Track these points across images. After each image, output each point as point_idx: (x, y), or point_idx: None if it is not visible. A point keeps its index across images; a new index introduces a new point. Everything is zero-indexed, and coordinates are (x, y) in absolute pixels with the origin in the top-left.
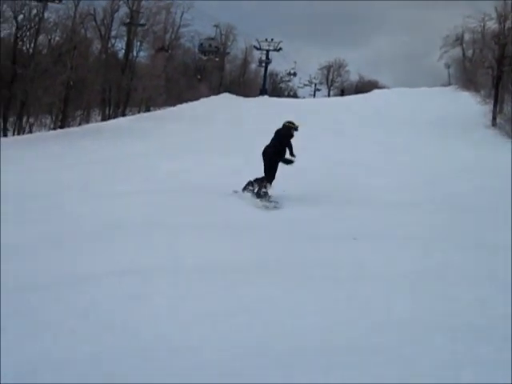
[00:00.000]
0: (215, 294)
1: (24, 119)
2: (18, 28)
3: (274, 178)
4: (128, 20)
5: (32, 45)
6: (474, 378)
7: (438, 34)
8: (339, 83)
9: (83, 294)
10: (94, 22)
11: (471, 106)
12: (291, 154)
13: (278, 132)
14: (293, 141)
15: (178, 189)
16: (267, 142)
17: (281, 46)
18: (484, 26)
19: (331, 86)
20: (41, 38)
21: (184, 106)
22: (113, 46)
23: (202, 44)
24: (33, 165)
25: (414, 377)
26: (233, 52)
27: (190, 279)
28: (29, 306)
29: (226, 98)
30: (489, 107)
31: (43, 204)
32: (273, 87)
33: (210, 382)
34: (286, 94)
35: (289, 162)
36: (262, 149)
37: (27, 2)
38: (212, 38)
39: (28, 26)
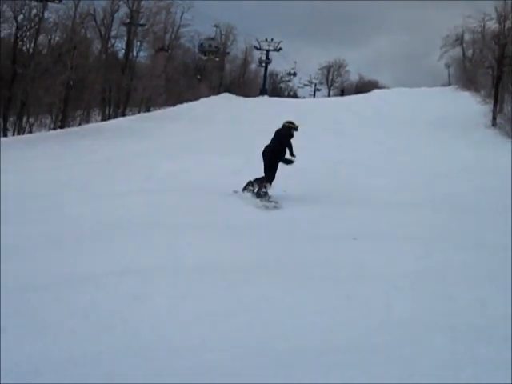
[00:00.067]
0: (215, 293)
1: (24, 119)
2: (18, 28)
3: (273, 177)
4: (128, 20)
5: (32, 45)
6: (474, 378)
7: (438, 34)
8: (339, 83)
9: (83, 293)
10: (94, 22)
11: (471, 105)
12: (291, 154)
13: (277, 132)
14: (293, 141)
15: (178, 189)
16: (267, 141)
17: (281, 46)
18: (484, 26)
19: (331, 86)
20: (41, 37)
21: (184, 105)
22: (113, 46)
23: (202, 44)
24: (33, 165)
25: (413, 377)
26: (233, 52)
27: (190, 279)
28: (29, 306)
29: (225, 98)
30: (489, 107)
31: (43, 204)
32: (273, 87)
33: (210, 382)
34: (286, 94)
35: (289, 162)
36: (262, 149)
37: (27, 1)
38: (212, 38)
39: (28, 26)
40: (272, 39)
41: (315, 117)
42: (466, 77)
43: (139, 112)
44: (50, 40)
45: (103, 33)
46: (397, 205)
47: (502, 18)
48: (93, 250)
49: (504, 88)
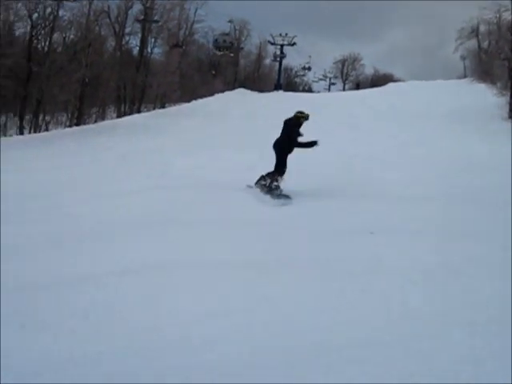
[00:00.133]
0: (233, 289)
1: (40, 117)
2: (32, 26)
3: (284, 170)
4: (142, 17)
5: (47, 43)
6: (493, 373)
7: (453, 26)
8: (354, 77)
9: (90, 293)
10: (108, 20)
11: (487, 98)
12: (306, 144)
13: (286, 123)
14: (308, 135)
15: (193, 185)
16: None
17: (295, 40)
18: (500, 17)
19: (346, 79)
20: (55, 36)
21: (199, 101)
22: (127, 43)
23: (216, 40)
24: (49, 163)
25: (431, 371)
26: (247, 47)
27: (206, 275)
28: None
29: (240, 93)
30: (505, 99)
31: (55, 202)
32: (287, 82)
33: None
34: (301, 88)
35: (312, 144)
36: (273, 141)
37: (42, 0)
38: (226, 34)
39: (43, 25)
40: (286, 34)
41: (330, 111)
42: (481, 69)
43: (154, 108)
44: (64, 38)
45: (117, 30)
46: (411, 199)
47: None
48: (108, 248)
49: None
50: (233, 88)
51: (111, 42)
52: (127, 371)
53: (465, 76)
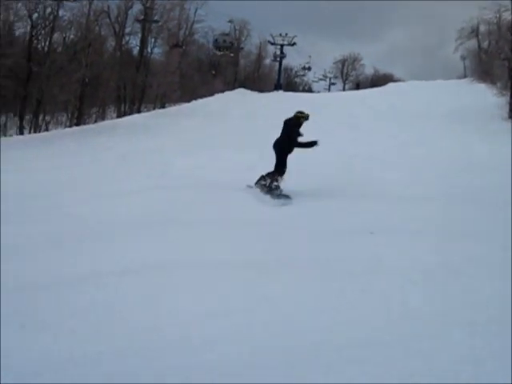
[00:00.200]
0: (232, 289)
1: (40, 117)
2: (32, 26)
3: (284, 170)
4: (142, 17)
5: (47, 43)
6: (493, 373)
7: (453, 26)
8: (354, 77)
9: (90, 293)
10: (108, 20)
11: (487, 98)
12: (306, 144)
13: (286, 123)
14: (308, 135)
15: (193, 185)
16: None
17: (295, 40)
18: (500, 17)
19: (346, 79)
20: (56, 36)
21: (199, 101)
22: (127, 43)
23: (216, 40)
24: (49, 162)
25: (431, 371)
26: (247, 47)
27: (205, 275)
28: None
29: (240, 93)
30: (505, 99)
31: (55, 202)
32: (287, 82)
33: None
34: (301, 88)
35: (312, 144)
36: (273, 141)
37: (42, 0)
38: (226, 34)
39: (43, 25)
40: (286, 34)
41: (330, 111)
42: (481, 69)
43: (154, 108)
44: (64, 38)
45: (117, 30)
46: (411, 199)
47: None
48: (108, 248)
49: None
50: (233, 88)
51: (111, 42)
52: (127, 371)
53: (465, 76)
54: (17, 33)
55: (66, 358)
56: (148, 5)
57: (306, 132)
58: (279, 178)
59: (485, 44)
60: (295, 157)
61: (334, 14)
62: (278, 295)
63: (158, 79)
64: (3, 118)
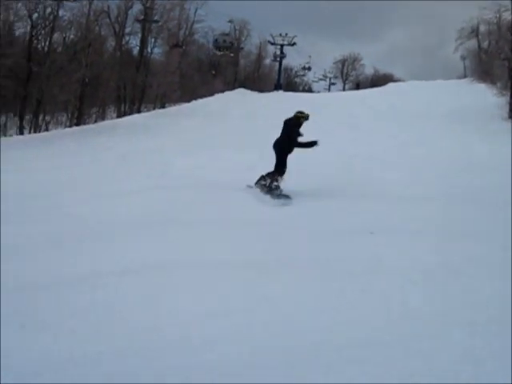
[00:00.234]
0: (232, 289)
1: (40, 117)
2: (32, 26)
3: (284, 170)
4: (142, 17)
5: (47, 43)
6: (493, 373)
7: (453, 26)
8: (354, 77)
9: (89, 293)
10: (108, 20)
11: (487, 98)
12: (306, 144)
13: (286, 123)
14: (308, 135)
15: (193, 185)
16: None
17: (295, 40)
18: (500, 17)
19: (346, 79)
20: (56, 36)
21: (199, 101)
22: (127, 43)
23: (216, 40)
24: (49, 163)
25: (431, 371)
26: (247, 47)
27: (205, 275)
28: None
29: (240, 93)
30: (505, 99)
31: (55, 202)
32: (287, 82)
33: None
34: (301, 88)
35: (312, 144)
36: (273, 141)
37: (42, 0)
38: (226, 34)
39: (43, 25)
40: (286, 34)
41: (330, 111)
42: (481, 69)
43: (154, 108)
44: (64, 38)
45: (117, 30)
46: (411, 199)
47: None
48: (108, 248)
49: None
50: (233, 88)
51: (111, 42)
52: (127, 371)
53: (465, 76)
54: (17, 33)
55: (66, 357)
56: (148, 5)
57: (306, 132)
58: (279, 178)
59: (485, 44)
60: (295, 157)
61: (334, 14)
62: (278, 295)
63: (158, 79)
64: (3, 118)
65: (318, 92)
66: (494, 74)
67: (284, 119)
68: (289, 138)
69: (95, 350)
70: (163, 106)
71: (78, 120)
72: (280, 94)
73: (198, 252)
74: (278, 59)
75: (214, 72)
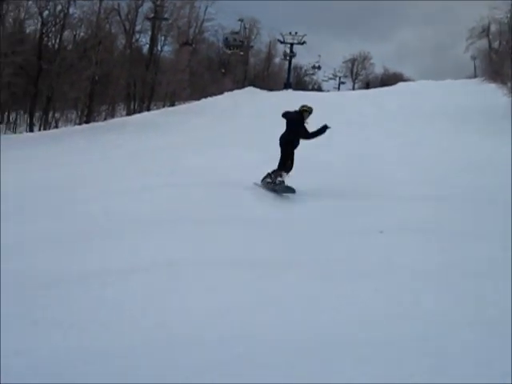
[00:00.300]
0: (239, 288)
1: (50, 114)
2: (43, 24)
3: (291, 166)
4: (152, 14)
5: (57, 40)
6: (493, 373)
7: (464, 26)
8: (364, 76)
9: (99, 291)
10: (118, 17)
11: (497, 98)
12: (319, 132)
13: (290, 119)
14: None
15: (203, 183)
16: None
17: (305, 39)
18: (511, 17)
19: (356, 79)
20: (66, 33)
21: (208, 100)
22: (137, 40)
23: (226, 38)
24: (58, 160)
25: (432, 371)
26: (257, 46)
27: (208, 275)
28: (38, 303)
29: (250, 91)
30: None
31: (65, 199)
32: (297, 81)
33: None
34: (311, 87)
35: (324, 129)
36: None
37: None
38: (236, 32)
39: (53, 22)
40: (296, 32)
41: (340, 110)
42: (492, 69)
43: (164, 106)
44: (74, 36)
45: (128, 28)
46: (422, 198)
47: None
48: (117, 246)
49: None
50: (242, 86)
51: (121, 40)
52: (136, 368)
53: (475, 76)
54: (27, 30)
55: (75, 355)
56: (158, 3)
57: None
58: (284, 174)
59: (496, 44)
60: (306, 156)
61: (344, 13)
62: (289, 294)
63: (168, 77)
64: (13, 115)
65: (328, 91)
66: (504, 74)
67: (283, 112)
68: (293, 133)
69: (104, 347)
70: (173, 104)
71: (88, 117)
72: (289, 93)
73: (205, 250)
74: (288, 58)
75: (223, 70)
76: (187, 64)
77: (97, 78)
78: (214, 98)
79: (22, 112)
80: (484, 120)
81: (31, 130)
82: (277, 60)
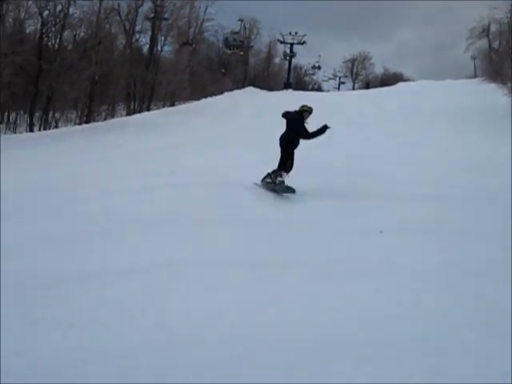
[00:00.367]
0: (239, 288)
1: (50, 114)
2: (43, 24)
3: (291, 166)
4: (152, 14)
5: (57, 40)
6: (493, 373)
7: (464, 26)
8: (364, 76)
9: (98, 291)
10: (118, 17)
11: (497, 98)
12: (320, 132)
13: (290, 119)
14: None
15: (203, 183)
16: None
17: (305, 39)
18: (511, 17)
19: (356, 79)
20: (66, 33)
21: (208, 100)
22: (137, 40)
23: (226, 38)
24: (58, 160)
25: (432, 371)
26: (257, 46)
27: (208, 275)
28: (37, 303)
29: (250, 91)
30: None
31: (65, 199)
32: (297, 81)
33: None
34: (311, 87)
35: (324, 129)
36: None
37: None
38: (236, 32)
39: (53, 22)
40: (296, 32)
41: (340, 110)
42: (492, 69)
43: (164, 106)
44: (75, 35)
45: (127, 28)
46: (421, 198)
47: None
48: (117, 246)
49: None
50: (242, 86)
51: (121, 40)
52: (136, 368)
53: (475, 76)
54: (27, 30)
55: (75, 355)
56: (158, 3)
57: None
58: (283, 174)
59: (496, 44)
60: (306, 156)
61: (344, 13)
62: (288, 294)
63: (168, 77)
64: (13, 115)
65: (328, 91)
66: (504, 74)
67: (283, 112)
68: (293, 133)
69: (104, 347)
70: (173, 104)
71: (88, 117)
72: (289, 93)
73: (205, 250)
74: (288, 58)
75: (223, 70)
76: (187, 64)
77: (97, 77)
78: (214, 98)
79: (22, 112)
80: (484, 120)
81: (31, 130)
82: (277, 60)
